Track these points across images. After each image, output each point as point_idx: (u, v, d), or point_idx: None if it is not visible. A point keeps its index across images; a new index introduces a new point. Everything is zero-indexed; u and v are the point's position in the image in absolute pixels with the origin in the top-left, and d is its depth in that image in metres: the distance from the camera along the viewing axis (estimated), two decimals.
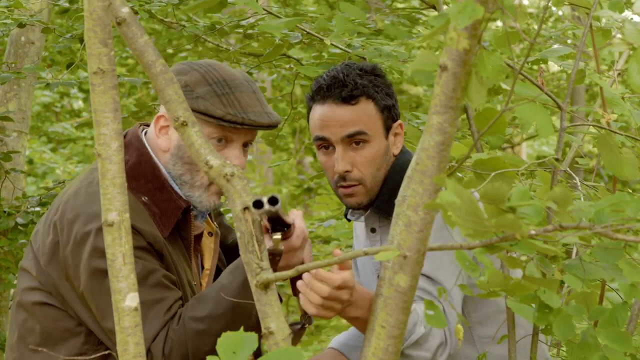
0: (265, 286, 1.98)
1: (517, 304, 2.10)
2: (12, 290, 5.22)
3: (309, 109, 2.83)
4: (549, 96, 2.27)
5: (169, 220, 2.69)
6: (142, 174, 2.70)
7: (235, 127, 2.65)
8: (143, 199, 2.68)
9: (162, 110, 2.73)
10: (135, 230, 2.60)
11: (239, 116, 2.65)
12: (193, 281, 2.75)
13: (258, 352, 2.79)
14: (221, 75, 2.70)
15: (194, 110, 2.62)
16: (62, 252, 2.63)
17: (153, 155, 2.71)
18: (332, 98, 2.76)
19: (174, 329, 2.56)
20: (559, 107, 2.49)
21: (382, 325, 2.00)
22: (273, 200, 2.12)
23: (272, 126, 2.71)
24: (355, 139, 2.75)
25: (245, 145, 2.74)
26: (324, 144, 2.78)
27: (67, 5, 4.64)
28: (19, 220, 4.80)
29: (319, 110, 2.78)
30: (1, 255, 4.83)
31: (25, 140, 5.27)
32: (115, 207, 1.91)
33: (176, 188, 2.71)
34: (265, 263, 1.98)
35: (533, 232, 1.68)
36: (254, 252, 1.99)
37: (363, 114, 2.76)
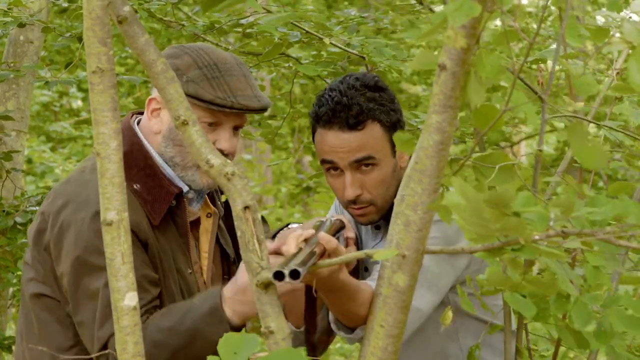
0: (266, 285, 1.98)
1: (515, 298, 2.09)
2: (11, 289, 5.22)
3: (314, 129, 2.80)
4: (530, 88, 2.27)
5: (161, 207, 2.69)
6: (134, 162, 2.71)
7: (224, 110, 2.66)
8: (135, 186, 2.68)
9: (154, 93, 2.75)
10: None
11: (228, 100, 2.66)
12: (188, 269, 2.74)
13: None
14: (212, 59, 2.71)
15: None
16: (47, 237, 2.64)
17: (145, 143, 2.73)
18: (338, 124, 2.72)
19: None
20: (541, 99, 2.50)
21: (380, 325, 2.00)
22: (294, 274, 2.05)
23: (262, 110, 2.72)
24: (363, 163, 2.74)
25: (236, 128, 2.75)
26: (332, 166, 2.76)
27: (66, 4, 4.64)
28: (18, 219, 4.81)
29: (325, 136, 2.75)
30: (0, 255, 4.83)
31: (24, 139, 5.27)
32: (114, 206, 1.91)
33: (168, 173, 2.72)
34: (266, 262, 1.98)
35: (537, 237, 1.68)
36: (255, 252, 1.99)
37: (370, 138, 2.72)
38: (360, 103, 2.72)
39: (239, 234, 2.00)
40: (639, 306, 2.16)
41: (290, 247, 2.35)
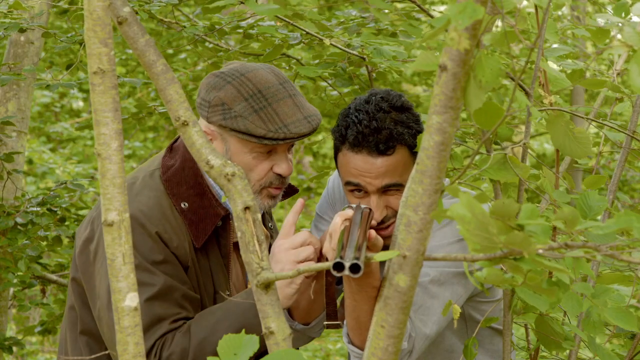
0: (266, 286, 1.98)
1: (528, 293, 2.09)
2: (11, 290, 5.22)
3: (337, 148, 2.76)
4: (519, 84, 2.28)
5: (207, 227, 2.70)
6: (184, 180, 2.72)
7: (278, 143, 2.65)
8: (183, 205, 2.69)
9: (204, 124, 2.74)
10: (162, 241, 2.62)
11: (281, 132, 2.64)
12: (226, 291, 2.75)
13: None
14: (255, 86, 2.68)
15: (234, 130, 2.64)
16: (93, 247, 2.70)
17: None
18: (367, 149, 2.69)
19: (176, 336, 2.57)
20: (526, 93, 2.51)
21: (381, 325, 2.00)
22: (355, 268, 2.08)
23: (314, 131, 2.71)
24: (390, 189, 2.72)
25: (289, 148, 2.75)
26: (357, 188, 2.74)
27: (66, 6, 4.64)
28: (19, 219, 4.81)
29: (353, 159, 2.71)
30: (0, 255, 4.83)
31: (24, 140, 5.28)
32: (115, 206, 1.91)
33: (217, 192, 2.72)
34: (266, 263, 1.98)
35: (541, 250, 1.68)
36: (255, 252, 1.99)
37: (398, 164, 2.70)
38: (389, 127, 2.68)
39: (239, 234, 2.00)
40: (621, 298, 2.17)
41: (336, 226, 2.41)
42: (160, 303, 2.56)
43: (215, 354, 2.51)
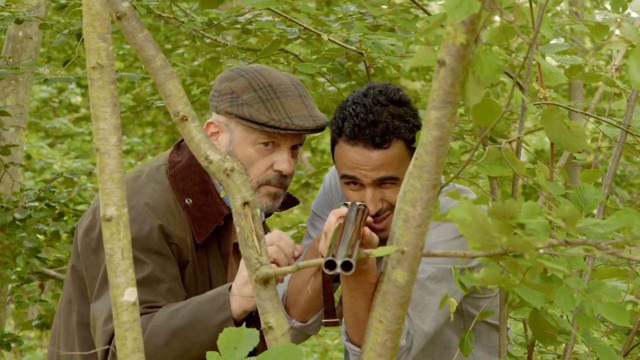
0: (265, 281, 1.98)
1: (524, 289, 2.10)
2: (9, 286, 5.22)
3: (334, 141, 2.75)
4: (515, 81, 2.29)
5: (209, 226, 2.71)
6: (190, 176, 2.73)
7: (279, 132, 2.66)
8: (187, 201, 2.70)
9: (213, 117, 2.77)
10: (164, 234, 2.63)
11: (283, 121, 2.66)
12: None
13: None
14: (267, 81, 2.71)
15: (239, 117, 2.67)
16: (95, 234, 2.70)
17: None
18: (363, 142, 2.68)
19: (142, 318, 2.58)
20: (520, 87, 2.52)
21: (379, 320, 2.00)
22: (347, 266, 2.08)
23: (318, 129, 2.71)
24: (386, 182, 2.72)
25: (294, 147, 2.75)
26: (353, 181, 2.74)
27: (64, 1, 4.63)
28: (17, 215, 4.81)
29: (348, 152, 2.71)
30: None
31: (23, 135, 5.28)
32: (114, 201, 1.91)
33: (222, 191, 2.73)
34: (265, 258, 1.98)
35: (542, 251, 1.69)
36: (254, 247, 1.99)
37: (394, 157, 2.70)
38: (386, 120, 2.68)
39: (238, 230, 2.00)
40: (617, 293, 2.18)
41: (330, 225, 2.41)
42: (141, 289, 2.57)
43: (167, 339, 2.54)
